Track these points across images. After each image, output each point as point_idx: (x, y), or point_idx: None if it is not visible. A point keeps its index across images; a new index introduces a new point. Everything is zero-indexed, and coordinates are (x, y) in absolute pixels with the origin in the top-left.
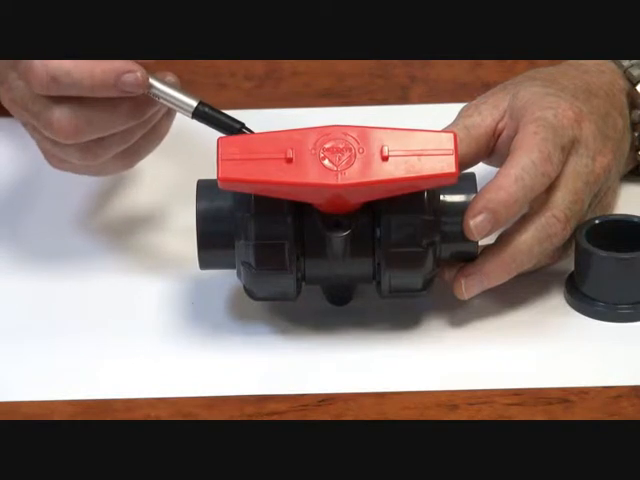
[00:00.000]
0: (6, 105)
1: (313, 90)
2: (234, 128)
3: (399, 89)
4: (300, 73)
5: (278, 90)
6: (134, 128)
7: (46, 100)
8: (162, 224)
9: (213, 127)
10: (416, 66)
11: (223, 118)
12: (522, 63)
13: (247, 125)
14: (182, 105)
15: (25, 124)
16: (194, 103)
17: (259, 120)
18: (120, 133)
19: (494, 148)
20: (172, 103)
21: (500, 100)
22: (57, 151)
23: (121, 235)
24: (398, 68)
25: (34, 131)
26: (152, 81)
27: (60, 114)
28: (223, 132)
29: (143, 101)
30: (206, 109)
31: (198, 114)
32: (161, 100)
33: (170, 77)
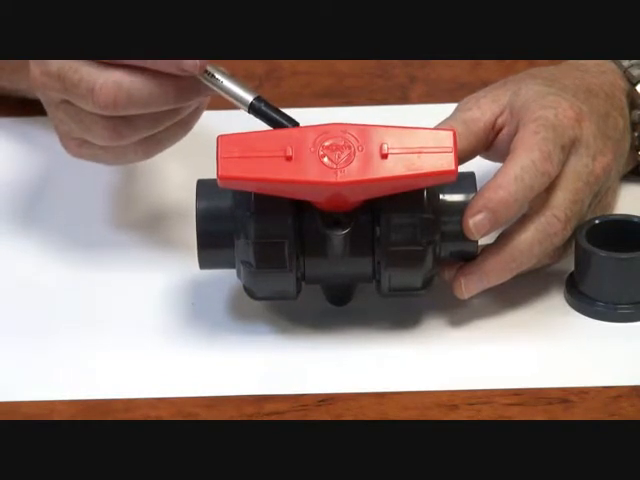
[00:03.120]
0: (35, 78)
1: (313, 90)
2: (286, 127)
3: (399, 89)
4: (300, 73)
5: (278, 90)
6: (164, 115)
7: (92, 67)
8: (162, 223)
9: (267, 123)
10: (416, 66)
11: (277, 116)
12: (522, 63)
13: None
14: (239, 97)
15: (49, 103)
16: (250, 97)
17: (259, 120)
18: (150, 117)
19: (493, 143)
20: (229, 94)
21: (500, 95)
22: (82, 130)
23: (120, 235)
24: (398, 68)
25: (59, 110)
26: (212, 69)
27: (104, 81)
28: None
29: (188, 86)
30: (262, 105)
31: (253, 109)
32: (216, 89)
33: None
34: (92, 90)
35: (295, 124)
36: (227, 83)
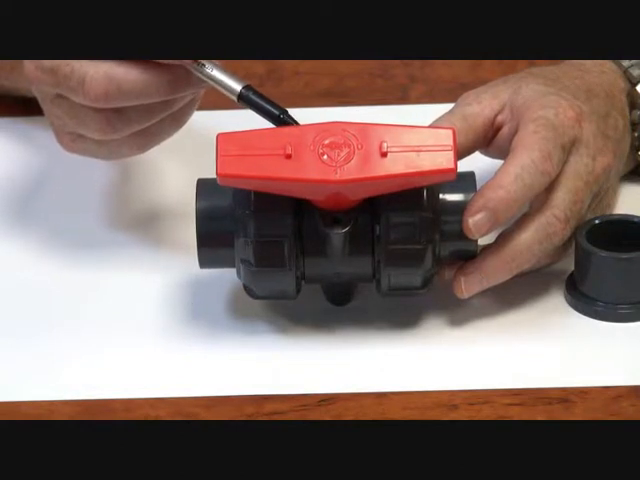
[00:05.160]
0: (28, 73)
1: (313, 90)
2: (274, 114)
3: (399, 89)
4: (300, 73)
5: (278, 90)
6: (157, 108)
7: (82, 60)
8: (161, 223)
9: (256, 112)
10: (416, 66)
11: (265, 104)
12: (522, 63)
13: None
14: (228, 87)
15: (43, 98)
16: (239, 86)
17: (259, 119)
18: (143, 108)
19: (493, 140)
20: (218, 83)
21: (501, 92)
22: (76, 124)
23: (119, 234)
24: (398, 68)
25: (53, 104)
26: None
27: (95, 73)
28: (265, 117)
29: (179, 77)
30: (250, 93)
31: (242, 97)
32: (206, 79)
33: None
34: (83, 82)
35: (283, 111)
36: (216, 73)
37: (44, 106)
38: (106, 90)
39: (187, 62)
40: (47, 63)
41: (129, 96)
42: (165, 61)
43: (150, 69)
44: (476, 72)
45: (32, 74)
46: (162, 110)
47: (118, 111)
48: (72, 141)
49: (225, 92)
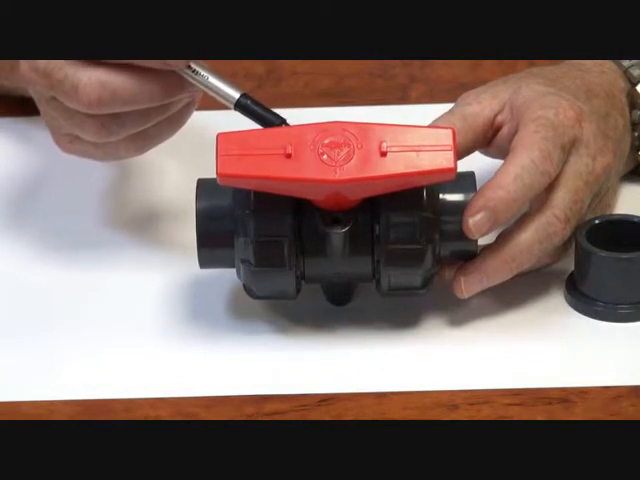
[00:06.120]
0: (24, 74)
1: (313, 90)
2: (274, 124)
3: (399, 89)
4: (300, 73)
5: (278, 90)
6: (152, 111)
7: (76, 66)
8: (161, 223)
9: (254, 120)
10: (416, 66)
11: (264, 113)
12: (522, 63)
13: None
14: (224, 95)
15: (39, 99)
16: (237, 94)
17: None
18: (138, 113)
19: (493, 140)
20: (214, 91)
21: (501, 92)
22: (72, 126)
23: (119, 234)
24: (398, 68)
25: (49, 106)
26: (196, 66)
27: (88, 79)
28: (264, 126)
29: (173, 83)
30: (248, 101)
31: (240, 105)
32: (201, 86)
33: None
34: (76, 89)
35: (282, 121)
36: (212, 80)
37: (40, 107)
38: (99, 96)
39: (182, 70)
40: (41, 65)
41: (123, 102)
42: (158, 66)
43: (143, 75)
44: (476, 72)
45: (27, 74)
46: (158, 114)
47: (113, 115)
48: (69, 142)
49: (221, 99)
